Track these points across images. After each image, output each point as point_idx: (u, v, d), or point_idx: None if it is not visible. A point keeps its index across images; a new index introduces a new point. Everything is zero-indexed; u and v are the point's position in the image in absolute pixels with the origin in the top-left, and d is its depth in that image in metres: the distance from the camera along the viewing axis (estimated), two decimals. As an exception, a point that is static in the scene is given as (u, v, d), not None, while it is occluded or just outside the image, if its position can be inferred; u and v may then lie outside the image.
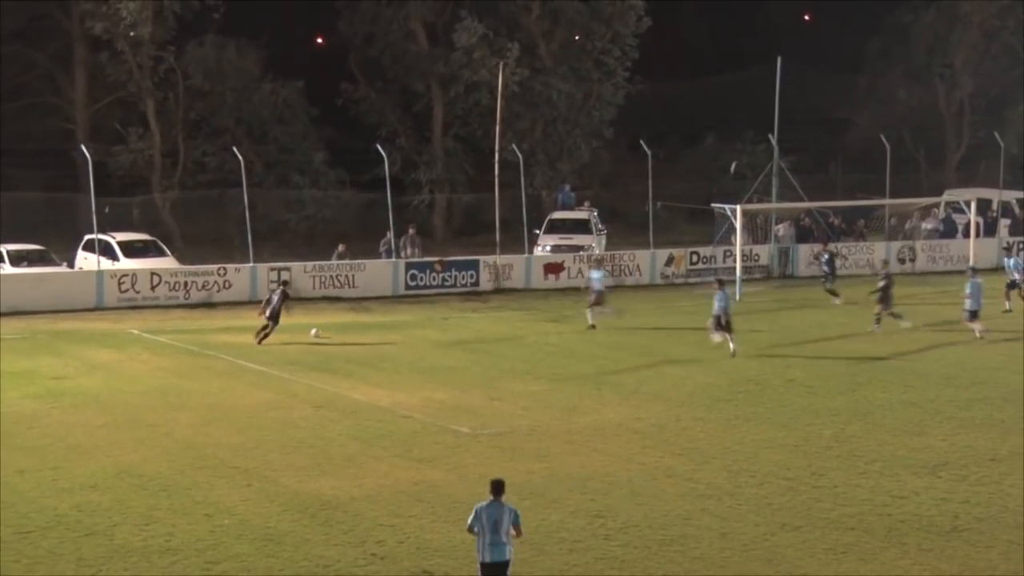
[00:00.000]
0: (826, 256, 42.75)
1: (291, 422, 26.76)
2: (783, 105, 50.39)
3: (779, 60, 49.34)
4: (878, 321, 37.08)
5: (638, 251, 48.47)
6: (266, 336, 35.36)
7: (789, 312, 40.82)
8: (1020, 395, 29.18)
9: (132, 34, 53.49)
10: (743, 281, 44.54)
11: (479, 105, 56.56)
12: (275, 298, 35.93)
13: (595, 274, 38.70)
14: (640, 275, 47.45)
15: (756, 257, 48.85)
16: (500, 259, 46.36)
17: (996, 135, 55.73)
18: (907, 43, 66.87)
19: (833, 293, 41.95)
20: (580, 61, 58.74)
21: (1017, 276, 40.99)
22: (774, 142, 50.74)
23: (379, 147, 47.86)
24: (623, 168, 60.78)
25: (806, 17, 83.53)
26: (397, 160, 55.36)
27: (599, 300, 38.04)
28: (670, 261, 48.04)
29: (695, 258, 48.30)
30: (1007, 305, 40.60)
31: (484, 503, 16.82)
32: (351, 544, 19.51)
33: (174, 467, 23.33)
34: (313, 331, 36.42)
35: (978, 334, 36.04)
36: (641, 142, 50.02)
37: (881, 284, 37.42)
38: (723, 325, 34.20)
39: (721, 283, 35.47)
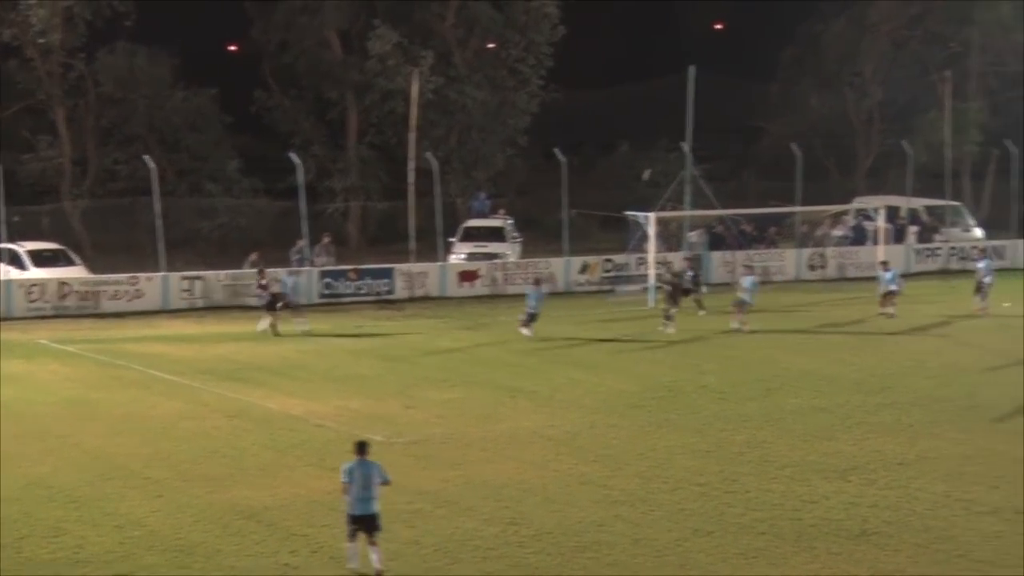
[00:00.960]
0: (691, 273, 42.60)
1: (203, 432, 26.56)
2: (697, 113, 50.72)
3: (692, 69, 49.68)
4: (669, 318, 38.64)
5: (553, 259, 48.60)
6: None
7: (702, 318, 41.05)
8: (927, 399, 29.62)
9: (41, 41, 52.78)
10: (656, 288, 44.72)
11: (394, 113, 56.44)
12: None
13: (288, 280, 39.98)
14: (555, 283, 47.51)
15: (669, 264, 49.07)
16: (415, 267, 46.33)
17: (904, 143, 56.46)
18: (818, 52, 67.59)
19: (699, 304, 42.02)
20: (495, 69, 58.83)
21: (894, 287, 41.21)
22: (687, 150, 51.08)
23: (293, 155, 47.64)
24: (538, 176, 60.88)
25: (718, 26, 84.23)
26: (312, 168, 55.09)
27: (288, 304, 39.14)
28: (584, 269, 48.23)
29: (609, 266, 48.50)
30: (888, 310, 41.01)
31: (352, 462, 18.86)
32: (263, 555, 19.41)
33: (84, 478, 23.07)
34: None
35: (739, 324, 38.56)
36: (556, 150, 50.16)
37: (669, 288, 39.56)
38: (532, 319, 37.55)
39: (538, 281, 39.63)
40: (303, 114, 58.92)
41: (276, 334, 37.86)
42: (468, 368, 33.81)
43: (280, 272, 41.43)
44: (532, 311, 37.89)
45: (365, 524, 18.57)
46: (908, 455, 24.97)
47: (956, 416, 28.08)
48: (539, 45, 58.59)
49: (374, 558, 18.44)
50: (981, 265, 43.31)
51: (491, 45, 59.57)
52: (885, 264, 43.58)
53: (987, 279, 42.45)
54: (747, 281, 40.01)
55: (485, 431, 26.99)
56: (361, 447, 18.98)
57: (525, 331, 37.72)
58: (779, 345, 36.98)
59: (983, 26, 65.02)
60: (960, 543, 20.00)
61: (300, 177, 46.48)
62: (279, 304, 38.78)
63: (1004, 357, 34.58)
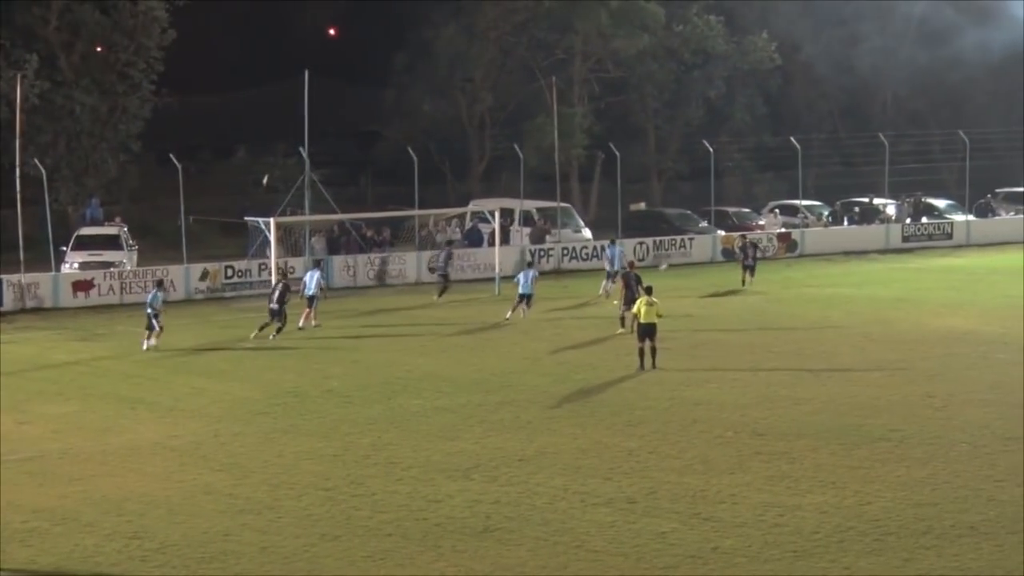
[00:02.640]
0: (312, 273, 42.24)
1: None
2: (314, 118, 50.81)
3: (307, 73, 49.73)
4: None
5: (172, 266, 47.69)
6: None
7: (325, 323, 41.16)
8: (544, 396, 30.58)
9: None
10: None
11: (-3, 118, 54.15)
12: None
13: None
14: (175, 291, 46.66)
15: (292, 270, 49.00)
16: (25, 277, 44.65)
17: (516, 147, 58.15)
18: (430, 58, 68.74)
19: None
20: (103, 73, 57.17)
21: (522, 291, 41.49)
22: (305, 155, 51.12)
23: None
24: (154, 182, 59.67)
25: (331, 31, 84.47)
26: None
27: None
28: (204, 276, 47.55)
29: (230, 272, 47.97)
30: (508, 315, 41.26)
31: None
32: None
33: None
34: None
35: (313, 322, 39.95)
36: (171, 156, 49.30)
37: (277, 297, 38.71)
38: (157, 326, 36.66)
39: (159, 283, 39.13)
40: None
41: None
42: (85, 380, 32.88)
43: None
44: (152, 312, 36.62)
45: None
46: (527, 451, 25.76)
47: (571, 412, 29.14)
48: (149, 49, 57.33)
49: None
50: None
51: (99, 49, 57.93)
52: (530, 265, 44.10)
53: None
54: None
55: (104, 444, 26.35)
56: None
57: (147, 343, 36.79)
58: (401, 348, 37.44)
59: (584, 34, 67.65)
60: (577, 534, 20.81)
61: None
62: None
63: (614, 352, 36.02)
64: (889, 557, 19.84)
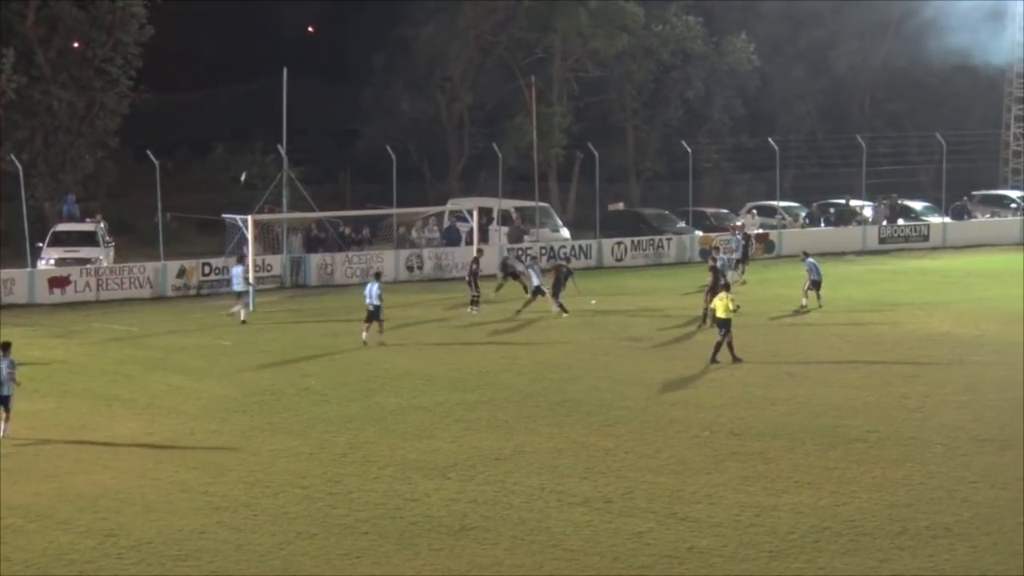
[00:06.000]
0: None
1: None
2: (293, 116, 50.69)
3: (285, 71, 49.65)
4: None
5: (148, 263, 47.56)
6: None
7: (302, 322, 41.14)
8: (521, 395, 30.62)
9: None
10: (256, 292, 44.47)
11: (-27, 114, 53.98)
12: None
13: None
14: (151, 287, 46.59)
15: (269, 267, 48.94)
16: (1, 274, 44.45)
17: (495, 146, 58.14)
18: (409, 56, 68.70)
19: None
20: (81, 69, 57.00)
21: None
22: (283, 152, 51.02)
23: None
24: (131, 179, 59.44)
25: (310, 29, 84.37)
26: None
27: None
28: (181, 273, 47.42)
29: (207, 269, 47.85)
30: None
31: None
32: None
33: None
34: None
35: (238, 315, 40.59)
36: (148, 152, 49.15)
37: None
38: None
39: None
40: None
41: None
42: (61, 377, 32.76)
43: None
44: None
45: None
46: (505, 450, 25.78)
47: (548, 411, 29.16)
48: (127, 45, 57.16)
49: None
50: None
51: (76, 45, 57.72)
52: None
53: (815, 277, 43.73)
54: (233, 272, 41.42)
55: (80, 441, 26.27)
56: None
57: None
58: (379, 346, 37.37)
59: (563, 34, 67.66)
60: (553, 534, 20.82)
61: None
62: None
63: (591, 352, 36.09)
64: (864, 557, 19.91)
